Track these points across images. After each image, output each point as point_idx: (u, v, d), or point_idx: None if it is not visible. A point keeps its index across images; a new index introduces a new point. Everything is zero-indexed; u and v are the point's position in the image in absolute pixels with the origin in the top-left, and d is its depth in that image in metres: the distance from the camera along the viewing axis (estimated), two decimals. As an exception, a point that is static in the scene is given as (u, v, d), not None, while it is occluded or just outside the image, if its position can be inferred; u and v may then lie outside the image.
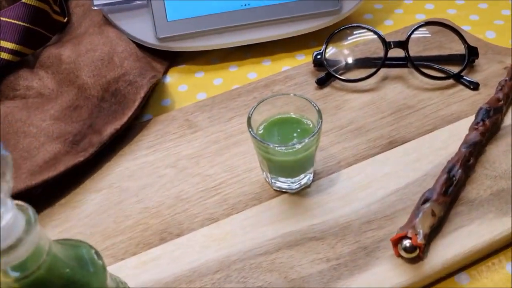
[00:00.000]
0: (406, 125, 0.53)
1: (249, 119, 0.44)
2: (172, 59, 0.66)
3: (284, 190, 0.48)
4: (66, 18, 0.69)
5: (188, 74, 0.64)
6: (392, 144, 0.51)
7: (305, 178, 0.48)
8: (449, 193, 0.44)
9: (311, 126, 0.46)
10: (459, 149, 0.47)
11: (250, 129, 0.44)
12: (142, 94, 0.56)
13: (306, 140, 0.42)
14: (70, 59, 0.61)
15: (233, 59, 0.66)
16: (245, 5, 0.63)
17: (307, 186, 0.48)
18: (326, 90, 0.58)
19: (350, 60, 0.60)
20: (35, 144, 0.53)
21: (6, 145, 0.53)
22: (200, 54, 0.66)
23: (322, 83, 0.58)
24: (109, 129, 0.53)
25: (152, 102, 0.60)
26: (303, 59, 0.64)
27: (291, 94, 0.47)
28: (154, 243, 0.45)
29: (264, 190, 0.49)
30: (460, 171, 0.45)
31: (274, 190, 0.48)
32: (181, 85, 0.63)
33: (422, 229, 0.41)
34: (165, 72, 0.65)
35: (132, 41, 0.63)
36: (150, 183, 0.51)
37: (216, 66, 0.65)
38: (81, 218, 0.48)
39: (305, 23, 0.63)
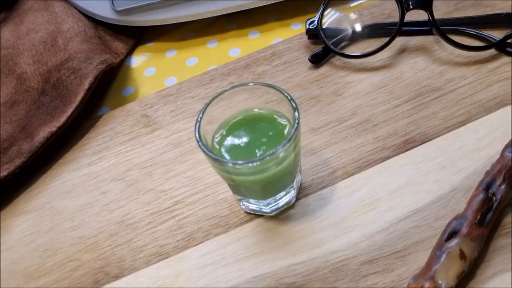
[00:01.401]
0: (429, 117, 0.39)
1: (198, 125, 0.32)
2: (139, 36, 0.54)
3: (258, 213, 0.36)
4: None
5: (158, 53, 0.52)
6: (409, 143, 0.37)
7: (285, 198, 0.35)
8: (487, 222, 0.30)
9: (288, 126, 0.33)
10: (502, 153, 0.33)
11: (199, 141, 0.31)
12: (86, 85, 0.44)
13: (279, 149, 0.30)
14: (9, 43, 0.50)
15: (212, 32, 0.52)
16: (222, -38, 0.49)
17: (289, 207, 0.36)
18: (323, 69, 0.44)
19: (355, 29, 0.46)
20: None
21: None
22: (172, 28, 0.53)
23: (317, 60, 0.44)
24: (42, 133, 0.42)
25: (112, 91, 0.48)
26: (300, 29, 0.50)
27: (251, 84, 0.33)
28: (84, 289, 0.34)
29: (232, 212, 0.36)
30: (503, 187, 0.31)
31: (246, 212, 0.36)
32: (148, 68, 0.50)
33: (445, 280, 0.28)
34: (129, 53, 0.52)
35: (88, 17, 0.51)
36: (90, 202, 0.39)
37: (191, 42, 0.52)
38: (3, 250, 0.38)
39: (300, -18, 0.49)
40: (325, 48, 0.44)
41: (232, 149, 0.33)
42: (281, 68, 0.45)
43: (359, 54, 0.43)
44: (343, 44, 0.45)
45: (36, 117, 0.44)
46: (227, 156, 0.32)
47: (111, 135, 0.43)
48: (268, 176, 0.32)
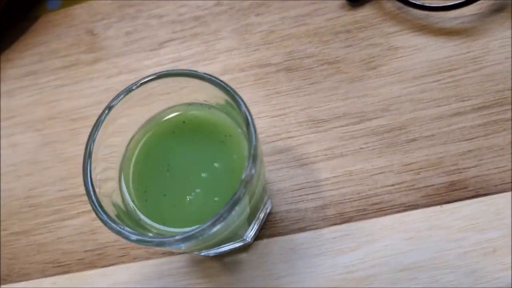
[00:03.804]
0: (503, 149, 0.23)
1: (88, 150, 0.19)
2: None
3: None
4: None
5: None
6: (454, 190, 0.23)
7: (232, 244, 0.23)
8: None
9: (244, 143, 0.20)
10: None
11: (88, 184, 0.18)
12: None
13: (230, 212, 0.17)
14: None
15: None
16: None
17: (241, 249, 0.24)
18: (362, 13, 0.27)
19: None
20: None
21: None
22: None
23: (356, -4, 0.27)
24: None
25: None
26: None
27: (178, 76, 0.19)
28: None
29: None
30: None
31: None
32: None
33: None
34: None
35: None
36: (-4, 155, 0.29)
37: None
38: None
39: None
40: (374, -23, 0.27)
41: (151, 201, 0.20)
42: (298, 4, 0.28)
43: (429, 5, 0.26)
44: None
45: None
46: (142, 217, 0.20)
47: (42, 54, 0.31)
48: (208, 245, 0.20)
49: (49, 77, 0.30)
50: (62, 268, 0.26)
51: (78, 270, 0.25)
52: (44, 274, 0.26)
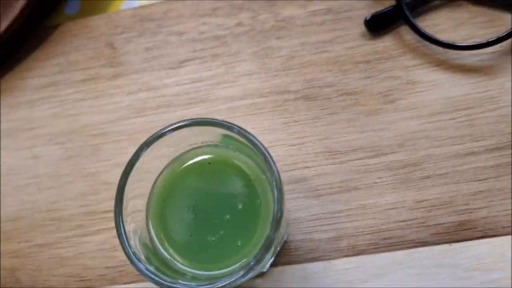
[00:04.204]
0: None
1: (120, 193, 0.20)
2: None
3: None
4: None
5: None
6: (463, 230, 0.24)
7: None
8: None
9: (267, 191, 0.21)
10: None
11: (129, 253, 0.19)
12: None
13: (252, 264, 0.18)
14: None
15: None
16: None
17: (258, 275, 0.25)
18: (382, 43, 0.27)
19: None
20: None
21: None
22: None
23: (377, 27, 0.27)
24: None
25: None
26: None
27: (199, 125, 0.20)
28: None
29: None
30: None
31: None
32: None
33: None
34: None
35: None
36: (20, 165, 0.29)
37: None
38: None
39: None
40: (396, 10, 0.27)
41: (177, 240, 0.21)
42: (318, 20, 0.28)
43: (452, 43, 0.26)
44: (428, 6, 0.27)
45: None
46: (169, 256, 0.21)
47: (62, 65, 0.31)
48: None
49: (69, 90, 0.30)
50: (84, 282, 0.27)
51: (100, 286, 0.27)
52: (67, 287, 0.27)
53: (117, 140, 0.29)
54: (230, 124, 0.19)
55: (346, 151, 0.26)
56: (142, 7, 0.31)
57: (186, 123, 0.20)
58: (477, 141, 0.25)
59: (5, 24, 0.30)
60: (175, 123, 0.20)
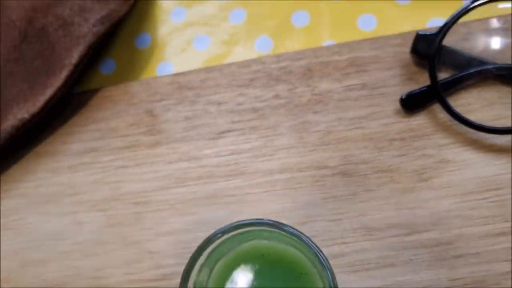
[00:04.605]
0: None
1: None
2: None
3: None
4: None
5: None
6: (496, 307, 0.25)
7: None
8: None
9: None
10: None
11: None
12: (74, 58, 0.31)
13: None
14: None
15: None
16: None
17: None
18: (416, 121, 0.29)
19: (494, 58, 0.28)
20: None
21: None
22: None
23: (413, 106, 0.29)
24: (12, 118, 0.31)
25: (121, 34, 0.35)
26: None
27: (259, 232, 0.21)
28: None
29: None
30: None
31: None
32: (177, 8, 0.35)
33: None
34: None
35: None
36: (62, 231, 0.31)
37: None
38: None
39: None
40: (430, 90, 0.28)
41: None
42: (354, 95, 0.30)
43: (481, 125, 0.27)
44: (463, 84, 0.29)
45: (12, 78, 0.32)
46: None
47: (102, 131, 0.32)
48: None
49: (110, 156, 0.31)
50: None
51: None
52: None
53: (159, 210, 0.30)
54: (289, 229, 0.20)
55: (382, 228, 0.27)
56: (180, 74, 0.32)
57: (247, 222, 0.21)
58: (508, 221, 0.26)
59: (50, 92, 0.31)
60: (240, 224, 0.21)
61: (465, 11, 0.27)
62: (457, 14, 0.27)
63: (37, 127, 0.33)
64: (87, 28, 0.31)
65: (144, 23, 0.35)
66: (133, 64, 0.34)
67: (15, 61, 0.33)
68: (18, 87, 0.32)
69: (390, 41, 0.30)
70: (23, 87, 0.32)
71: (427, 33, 0.28)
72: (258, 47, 0.33)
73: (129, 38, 0.35)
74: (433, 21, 0.31)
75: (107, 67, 0.34)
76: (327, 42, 0.32)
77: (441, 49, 0.28)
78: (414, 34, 0.29)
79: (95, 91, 0.33)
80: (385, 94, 0.29)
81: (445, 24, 0.27)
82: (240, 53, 0.33)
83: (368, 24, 0.32)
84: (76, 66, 0.31)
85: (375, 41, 0.30)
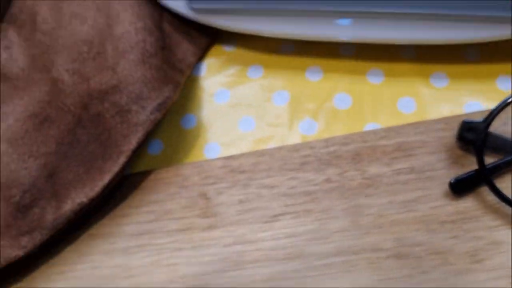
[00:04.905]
0: None
1: None
2: (215, 33, 0.39)
3: None
4: None
5: (239, 67, 0.38)
6: None
7: None
8: None
9: None
10: None
11: None
12: (132, 143, 0.32)
13: None
14: (47, 26, 0.37)
15: (320, 53, 0.37)
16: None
17: None
18: (464, 203, 0.30)
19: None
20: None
21: None
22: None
23: (462, 189, 0.30)
24: (71, 202, 0.32)
25: (167, 114, 0.37)
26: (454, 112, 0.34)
27: None
28: None
29: None
30: None
31: None
32: (221, 90, 0.37)
33: None
34: (199, 59, 0.39)
35: (151, 9, 0.36)
36: (119, 315, 0.31)
37: (286, 59, 0.37)
38: None
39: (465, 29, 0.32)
40: (478, 174, 0.30)
41: None
42: (403, 179, 0.31)
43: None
44: (508, 168, 0.30)
45: (68, 163, 0.33)
46: None
47: (156, 213, 0.33)
48: None
49: (166, 239, 0.32)
50: None
51: None
52: None
53: (217, 293, 0.31)
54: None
55: (441, 311, 0.28)
56: (230, 158, 0.34)
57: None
58: None
59: (108, 177, 0.32)
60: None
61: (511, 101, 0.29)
62: (503, 103, 0.29)
63: (91, 210, 0.34)
64: (145, 116, 0.32)
65: (188, 104, 0.37)
66: (180, 144, 0.36)
67: (69, 144, 0.34)
68: (73, 171, 0.33)
69: (434, 126, 0.32)
70: (79, 171, 0.33)
71: (472, 121, 0.30)
72: (302, 130, 0.35)
73: (175, 119, 0.37)
74: (469, 105, 0.33)
75: (155, 147, 0.36)
76: (370, 124, 0.34)
77: (487, 136, 0.29)
78: (455, 119, 0.31)
79: (146, 173, 0.35)
80: (432, 177, 0.31)
81: (491, 113, 0.29)
82: (286, 136, 0.34)
83: (408, 107, 0.34)
84: (133, 151, 0.32)
85: (419, 126, 0.32)
